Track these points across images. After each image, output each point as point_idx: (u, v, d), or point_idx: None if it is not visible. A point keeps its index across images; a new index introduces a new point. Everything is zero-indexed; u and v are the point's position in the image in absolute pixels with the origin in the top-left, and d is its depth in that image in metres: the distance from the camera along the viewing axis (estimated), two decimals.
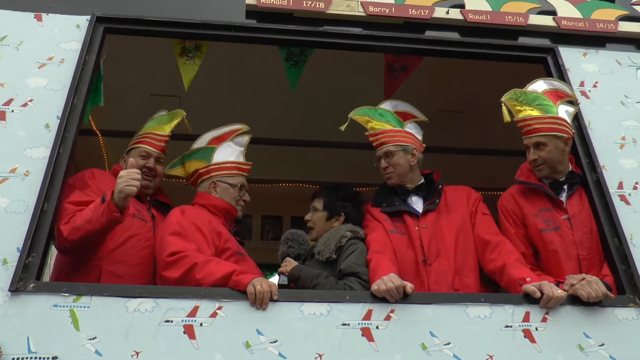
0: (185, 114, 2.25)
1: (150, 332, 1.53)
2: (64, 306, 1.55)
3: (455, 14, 2.40)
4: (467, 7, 2.42)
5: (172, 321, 1.56)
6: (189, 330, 1.55)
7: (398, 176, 2.15)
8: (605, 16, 2.48)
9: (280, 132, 3.35)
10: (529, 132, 1.98)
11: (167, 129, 2.21)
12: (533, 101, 2.00)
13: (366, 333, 1.60)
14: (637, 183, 2.03)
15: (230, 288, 1.64)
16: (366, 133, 2.24)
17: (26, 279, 1.58)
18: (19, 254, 1.62)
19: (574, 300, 1.71)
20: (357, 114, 2.25)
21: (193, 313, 1.58)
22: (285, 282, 1.90)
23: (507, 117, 2.03)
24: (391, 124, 2.24)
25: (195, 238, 1.79)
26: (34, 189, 1.75)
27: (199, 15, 2.27)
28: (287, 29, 2.29)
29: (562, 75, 2.28)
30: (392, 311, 1.65)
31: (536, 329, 1.66)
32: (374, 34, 2.33)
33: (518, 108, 2.00)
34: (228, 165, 2.13)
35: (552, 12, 2.48)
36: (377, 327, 1.62)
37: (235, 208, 2.08)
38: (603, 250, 1.90)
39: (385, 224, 2.07)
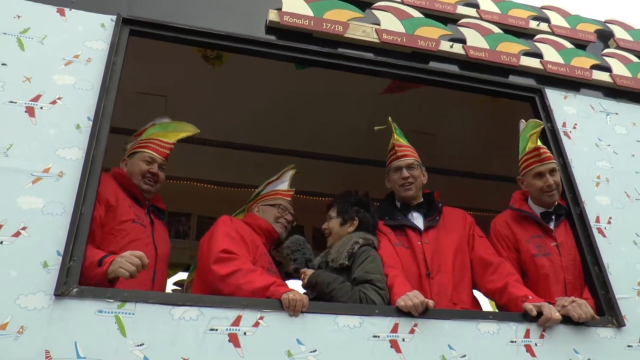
0: (198, 131, 2.33)
1: (196, 339, 1.61)
2: (109, 312, 1.60)
3: (458, 48, 2.64)
4: (469, 43, 2.68)
5: (217, 329, 1.65)
6: (233, 339, 1.65)
7: (416, 188, 2.36)
8: (582, 64, 2.84)
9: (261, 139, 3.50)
10: (546, 159, 2.27)
11: (172, 137, 2.28)
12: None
13: (394, 345, 1.78)
14: (610, 218, 2.37)
15: (268, 298, 1.76)
16: (393, 141, 2.43)
17: (69, 283, 1.60)
18: (59, 257, 1.63)
19: (565, 319, 1.99)
20: (390, 121, 2.45)
21: (237, 322, 1.68)
22: (313, 295, 2.02)
23: (534, 143, 2.30)
24: (407, 142, 2.46)
25: (239, 244, 1.91)
26: (70, 191, 1.76)
27: (222, 26, 2.35)
28: (306, 48, 2.42)
29: (548, 115, 2.59)
30: (415, 325, 1.84)
31: (535, 344, 1.93)
32: (387, 61, 2.52)
33: (535, 137, 2.29)
34: (272, 193, 2.43)
35: (539, 55, 2.81)
36: (404, 340, 1.80)
37: (275, 229, 2.24)
38: (584, 276, 2.22)
39: (390, 236, 2.27)
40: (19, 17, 2.07)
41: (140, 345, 1.56)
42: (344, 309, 1.82)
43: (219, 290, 1.83)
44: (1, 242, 1.61)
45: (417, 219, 2.35)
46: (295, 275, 2.20)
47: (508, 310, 2.07)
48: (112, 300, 1.61)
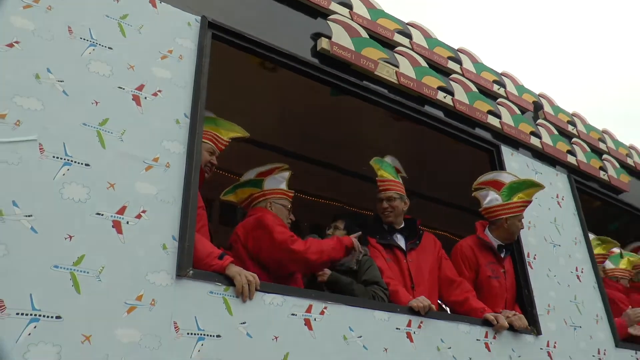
0: (248, 135, 2.69)
1: (282, 321, 2.04)
2: (218, 293, 1.95)
3: (448, 99, 3.32)
4: (456, 97, 3.38)
5: (296, 314, 2.09)
6: (307, 323, 2.11)
7: (394, 216, 2.99)
8: (525, 129, 3.72)
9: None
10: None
11: (225, 135, 2.61)
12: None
13: (409, 336, 2.40)
14: (535, 255, 3.25)
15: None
16: (376, 178, 3.03)
17: (185, 266, 1.91)
18: (175, 241, 1.93)
19: (510, 327, 2.79)
20: (372, 162, 3.03)
21: (309, 310, 2.14)
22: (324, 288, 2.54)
23: (530, 197, 3.14)
24: (392, 175, 3.07)
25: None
26: (177, 182, 2.03)
27: (279, 42, 2.70)
28: (344, 77, 2.88)
29: (503, 166, 3.40)
30: (421, 322, 2.47)
31: (490, 342, 2.69)
32: (400, 100, 3.09)
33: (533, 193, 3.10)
34: (278, 191, 2.77)
35: (499, 117, 3.62)
36: (414, 332, 2.42)
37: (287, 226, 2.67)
38: (517, 296, 3.06)
39: (382, 253, 2.88)
40: (117, 1, 2.21)
41: (243, 323, 1.95)
42: (379, 306, 2.38)
43: (302, 262, 2.36)
44: (127, 222, 1.86)
45: (400, 241, 2.99)
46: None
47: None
48: (220, 284, 1.96)
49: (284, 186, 2.82)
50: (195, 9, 2.44)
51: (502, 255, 3.11)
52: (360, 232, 2.78)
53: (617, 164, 4.37)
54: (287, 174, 2.87)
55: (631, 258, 4.35)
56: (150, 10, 2.30)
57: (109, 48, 2.10)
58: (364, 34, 3.07)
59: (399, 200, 3.02)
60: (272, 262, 2.41)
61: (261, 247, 2.42)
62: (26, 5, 1.96)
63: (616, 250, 4.19)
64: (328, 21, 2.94)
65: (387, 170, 3.09)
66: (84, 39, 2.04)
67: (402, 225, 3.05)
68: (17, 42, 1.88)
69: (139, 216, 1.89)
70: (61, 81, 1.92)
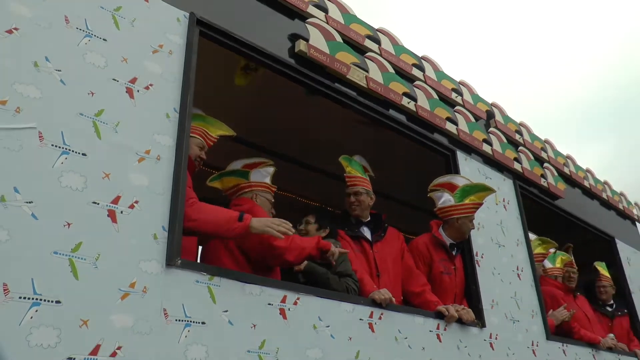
0: (234, 134, 2.81)
1: (260, 310, 2.20)
2: (203, 283, 2.08)
3: (412, 105, 3.56)
4: (418, 103, 3.62)
5: (272, 304, 2.26)
6: (282, 312, 2.28)
7: (361, 210, 3.22)
8: (478, 136, 4.02)
9: None
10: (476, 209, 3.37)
11: (213, 132, 2.73)
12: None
13: (371, 326, 2.62)
14: (483, 254, 3.57)
15: (303, 284, 2.44)
16: (345, 174, 3.23)
17: (174, 255, 2.02)
18: (165, 232, 2.04)
19: (458, 320, 3.08)
20: (341, 159, 3.23)
21: (284, 300, 2.30)
22: (302, 279, 2.72)
23: (481, 200, 3.39)
24: (360, 172, 3.29)
25: None
26: (167, 174, 2.13)
27: (260, 41, 2.81)
28: (319, 79, 3.04)
29: (457, 170, 3.69)
30: (382, 314, 2.70)
31: (441, 334, 2.97)
32: (368, 103, 3.29)
33: (484, 196, 3.37)
34: (264, 184, 2.95)
35: (456, 123, 3.90)
36: (375, 323, 2.65)
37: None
38: (465, 291, 3.36)
39: (350, 244, 3.10)
40: None
41: (226, 311, 2.09)
42: (346, 298, 2.58)
43: (280, 259, 2.51)
44: (121, 212, 1.95)
45: (367, 233, 3.22)
46: None
47: (421, 308, 3.09)
48: (205, 274, 2.09)
49: (268, 180, 2.99)
50: (184, 4, 2.52)
51: (454, 253, 3.40)
52: (328, 229, 2.98)
53: (555, 172, 4.80)
54: (271, 170, 3.05)
55: (563, 257, 4.82)
56: (143, 4, 2.36)
57: (104, 40, 2.15)
58: (338, 38, 3.24)
59: (366, 195, 3.25)
60: (254, 254, 2.56)
61: (246, 240, 2.55)
62: None
63: (552, 250, 4.63)
64: (306, 24, 3.08)
65: (355, 168, 3.30)
66: (80, 29, 2.09)
67: (368, 219, 3.27)
68: (15, 29, 1.91)
69: (132, 206, 1.99)
70: (59, 70, 1.97)
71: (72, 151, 1.90)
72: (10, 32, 1.89)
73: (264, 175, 3.00)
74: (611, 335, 4.54)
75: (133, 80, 2.19)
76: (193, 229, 2.25)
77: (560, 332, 3.97)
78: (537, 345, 3.56)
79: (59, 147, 1.87)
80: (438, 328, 2.97)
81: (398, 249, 3.26)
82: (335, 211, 3.31)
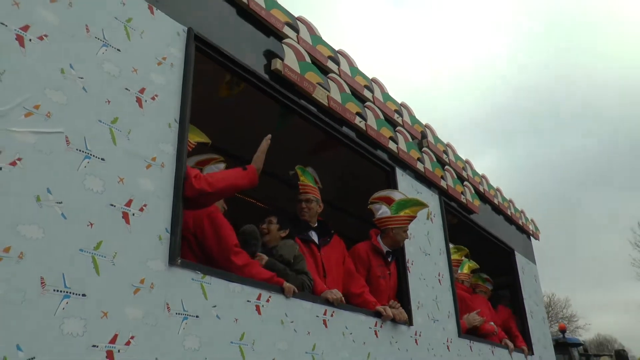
0: (210, 142, 3.07)
1: (241, 306, 2.52)
2: (197, 280, 2.36)
3: (362, 124, 3.99)
4: (368, 123, 4.06)
5: (250, 301, 2.58)
6: (257, 308, 2.61)
7: (309, 215, 3.61)
8: (414, 155, 4.56)
9: None
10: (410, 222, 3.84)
11: (192, 138, 2.97)
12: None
13: (324, 322, 3.02)
14: (413, 261, 4.10)
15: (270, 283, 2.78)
16: (299, 182, 3.62)
17: (175, 255, 2.28)
18: (167, 234, 2.29)
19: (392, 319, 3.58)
20: (297, 168, 3.62)
21: (259, 297, 2.64)
22: None
23: (415, 213, 3.84)
24: (312, 182, 3.69)
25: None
26: (169, 180, 2.38)
27: (243, 58, 3.09)
28: (289, 96, 3.37)
29: (396, 185, 4.19)
30: (333, 312, 3.12)
31: (378, 330, 3.45)
32: (326, 120, 3.68)
33: (417, 210, 3.84)
34: None
35: (396, 142, 4.40)
36: (328, 320, 3.06)
37: None
38: (397, 293, 3.88)
39: (301, 247, 3.48)
40: (124, 4, 2.44)
41: (214, 306, 2.39)
42: (306, 297, 2.96)
43: (234, 271, 2.69)
44: (133, 214, 2.18)
45: (314, 237, 3.62)
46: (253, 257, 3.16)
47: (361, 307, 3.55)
48: (198, 273, 2.37)
49: None
50: (182, 19, 2.73)
51: (390, 260, 3.90)
52: (288, 230, 3.34)
53: (472, 190, 5.50)
54: (222, 166, 3.30)
55: (469, 264, 5.56)
56: (149, 16, 2.56)
57: (118, 50, 2.34)
58: (308, 58, 3.59)
59: (315, 203, 3.65)
60: (213, 255, 2.82)
61: (205, 239, 2.81)
62: None
63: (464, 258, 5.34)
64: (283, 44, 3.40)
65: (307, 178, 3.69)
66: (98, 39, 2.27)
67: (316, 225, 3.67)
68: (46, 36, 2.06)
69: (141, 209, 2.22)
70: (81, 78, 2.15)
71: (93, 156, 2.10)
72: (41, 38, 2.05)
73: (215, 171, 3.23)
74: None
75: (142, 91, 2.40)
76: (211, 191, 2.59)
77: (468, 332, 4.64)
78: (451, 342, 4.18)
79: (83, 152, 2.06)
80: (376, 325, 3.45)
81: (341, 253, 3.69)
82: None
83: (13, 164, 1.83)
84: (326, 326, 3.03)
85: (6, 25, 1.94)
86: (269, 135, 3.03)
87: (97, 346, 1.90)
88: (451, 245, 4.94)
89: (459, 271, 5.35)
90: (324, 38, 3.98)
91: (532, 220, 7.14)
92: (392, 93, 4.73)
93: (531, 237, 7.11)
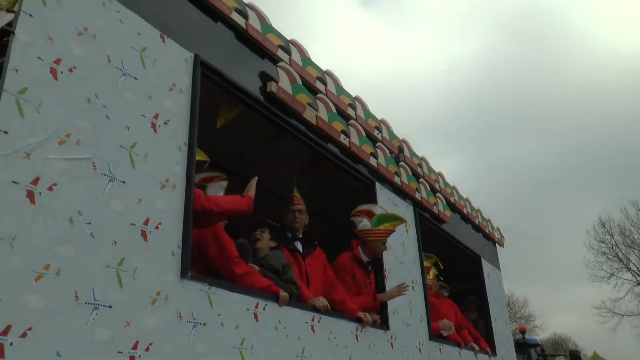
0: (209, 160, 3.32)
1: (241, 314, 2.78)
2: (205, 291, 2.61)
3: (346, 141, 4.29)
4: (351, 140, 4.36)
5: (249, 309, 2.84)
6: (255, 316, 2.87)
7: (301, 226, 3.89)
8: (392, 169, 4.88)
9: None
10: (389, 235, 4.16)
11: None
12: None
13: (312, 328, 3.31)
14: (390, 270, 4.43)
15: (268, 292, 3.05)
16: (292, 195, 3.90)
17: (186, 269, 2.52)
18: (179, 249, 2.53)
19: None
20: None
21: (257, 306, 2.90)
22: None
23: (393, 227, 4.18)
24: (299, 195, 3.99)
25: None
26: (180, 200, 2.61)
27: (241, 81, 3.33)
28: (282, 116, 3.64)
29: (375, 199, 4.50)
30: (320, 318, 3.40)
31: (358, 334, 3.75)
32: (316, 139, 3.96)
33: (396, 225, 4.15)
34: None
35: (377, 157, 4.71)
36: (315, 325, 3.34)
37: None
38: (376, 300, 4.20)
39: (288, 256, 3.76)
40: (139, 34, 2.66)
41: (219, 314, 2.64)
42: (297, 305, 3.24)
43: (234, 281, 2.97)
44: (150, 232, 2.41)
45: (299, 247, 3.91)
46: None
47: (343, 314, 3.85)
48: (206, 284, 2.62)
49: (222, 193, 3.48)
50: (189, 46, 2.95)
51: (370, 269, 4.22)
52: (276, 243, 3.62)
53: (444, 201, 5.87)
54: (225, 184, 3.54)
55: (434, 271, 5.96)
56: (161, 45, 2.78)
57: (135, 78, 2.56)
58: (299, 80, 3.85)
59: (305, 214, 3.93)
60: (216, 266, 3.08)
61: (209, 251, 3.06)
62: (79, 32, 2.34)
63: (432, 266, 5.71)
64: (278, 67, 3.66)
65: (298, 192, 3.97)
66: (119, 69, 2.49)
67: (301, 236, 3.95)
68: (75, 68, 2.27)
69: (157, 227, 2.45)
70: (104, 107, 2.36)
71: (116, 179, 2.32)
72: (71, 70, 2.26)
73: (218, 189, 3.50)
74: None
75: (156, 116, 2.62)
76: (217, 212, 2.91)
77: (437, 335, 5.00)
78: (422, 345, 4.53)
79: (107, 176, 2.29)
80: (357, 330, 3.76)
81: (322, 263, 3.99)
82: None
83: (50, 189, 2.05)
84: (314, 331, 3.32)
85: (42, 60, 2.14)
86: (256, 177, 3.37)
87: (122, 352, 2.13)
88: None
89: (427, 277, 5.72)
90: (311, 52, 4.25)
91: (497, 229, 7.59)
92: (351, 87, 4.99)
93: (496, 245, 7.57)
